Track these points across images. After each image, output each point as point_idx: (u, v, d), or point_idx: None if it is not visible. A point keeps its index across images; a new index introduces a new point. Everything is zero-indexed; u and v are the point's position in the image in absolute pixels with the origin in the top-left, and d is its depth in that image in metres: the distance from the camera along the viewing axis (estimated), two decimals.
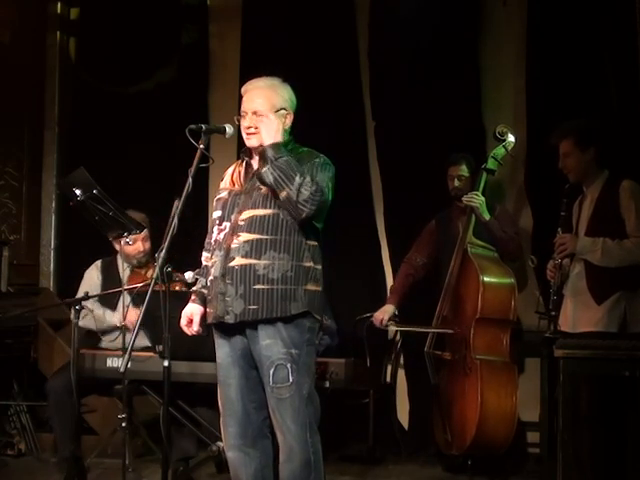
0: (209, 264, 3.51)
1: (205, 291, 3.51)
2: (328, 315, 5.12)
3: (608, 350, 3.61)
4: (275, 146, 3.35)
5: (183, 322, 3.47)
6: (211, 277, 3.44)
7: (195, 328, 3.47)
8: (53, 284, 6.33)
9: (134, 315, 4.41)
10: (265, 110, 3.42)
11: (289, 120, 3.50)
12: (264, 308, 3.32)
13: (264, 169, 3.34)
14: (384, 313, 5.13)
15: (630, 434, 3.73)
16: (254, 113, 3.43)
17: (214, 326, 3.47)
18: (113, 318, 4.77)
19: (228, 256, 3.37)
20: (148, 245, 4.84)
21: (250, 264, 3.33)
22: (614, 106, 4.89)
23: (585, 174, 4.23)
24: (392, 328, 5.25)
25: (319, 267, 3.44)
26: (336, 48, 5.69)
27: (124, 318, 4.25)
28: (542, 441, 4.19)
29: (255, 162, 3.51)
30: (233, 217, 3.43)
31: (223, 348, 3.46)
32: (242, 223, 3.38)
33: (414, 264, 5.20)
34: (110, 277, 4.86)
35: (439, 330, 4.82)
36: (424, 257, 5.19)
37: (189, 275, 3.91)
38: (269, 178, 3.32)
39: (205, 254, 3.59)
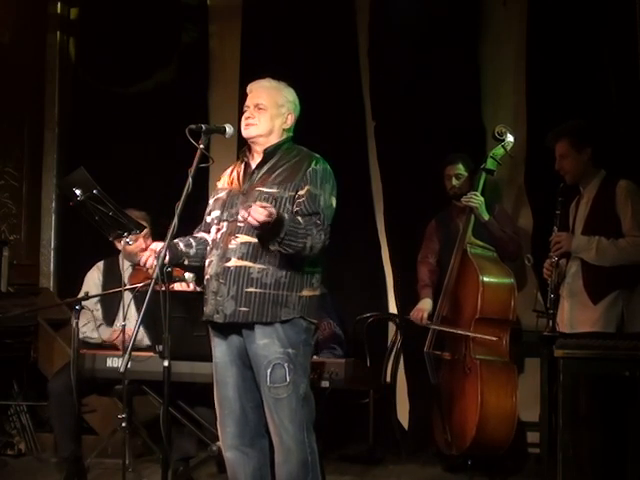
0: (205, 236, 3.53)
1: (179, 242, 3.50)
2: (336, 322, 5.10)
3: (608, 350, 3.60)
4: (274, 228, 3.18)
5: (146, 254, 3.42)
6: (207, 276, 3.44)
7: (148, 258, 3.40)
8: (53, 284, 6.33)
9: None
10: (267, 105, 3.46)
11: (290, 120, 3.52)
12: (255, 311, 3.31)
13: (272, 247, 3.25)
14: (423, 310, 4.96)
15: (630, 434, 3.73)
16: (256, 106, 3.47)
17: (209, 325, 3.47)
18: (104, 334, 4.81)
19: (224, 256, 3.37)
20: (150, 243, 4.84)
21: (245, 266, 3.33)
22: (614, 106, 4.89)
23: (582, 175, 4.23)
24: (433, 327, 4.86)
25: (318, 270, 3.42)
26: (336, 48, 5.69)
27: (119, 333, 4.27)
28: (542, 441, 4.18)
29: (253, 162, 3.52)
30: (232, 218, 3.42)
31: (220, 347, 3.45)
32: (241, 225, 3.36)
33: (429, 262, 5.13)
34: (112, 277, 4.86)
35: (479, 335, 4.62)
36: (436, 256, 5.16)
37: (189, 275, 3.90)
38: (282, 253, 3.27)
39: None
